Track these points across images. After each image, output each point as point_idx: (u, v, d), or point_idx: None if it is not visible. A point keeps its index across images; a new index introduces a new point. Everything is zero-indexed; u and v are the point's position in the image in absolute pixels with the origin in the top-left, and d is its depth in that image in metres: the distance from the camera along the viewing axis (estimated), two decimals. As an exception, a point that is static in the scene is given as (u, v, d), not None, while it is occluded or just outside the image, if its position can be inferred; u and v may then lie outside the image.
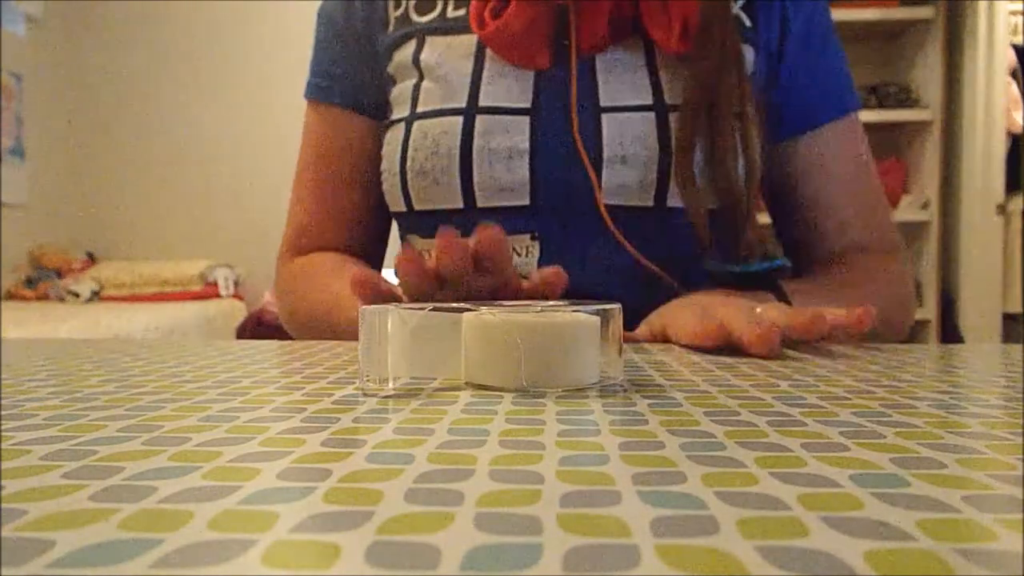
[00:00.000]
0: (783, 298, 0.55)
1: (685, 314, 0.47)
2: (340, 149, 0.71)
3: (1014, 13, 2.58)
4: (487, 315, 0.29)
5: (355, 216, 0.72)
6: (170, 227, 3.43)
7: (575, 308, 0.30)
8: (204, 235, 3.40)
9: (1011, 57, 2.59)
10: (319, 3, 0.73)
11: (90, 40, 3.41)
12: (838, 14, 2.53)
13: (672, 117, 0.60)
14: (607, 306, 0.30)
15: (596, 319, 0.29)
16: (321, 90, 0.71)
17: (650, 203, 0.61)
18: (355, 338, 0.53)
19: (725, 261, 0.60)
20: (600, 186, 0.60)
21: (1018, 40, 2.60)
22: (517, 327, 0.28)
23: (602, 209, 0.60)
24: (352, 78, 0.70)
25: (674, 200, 0.61)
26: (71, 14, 3.37)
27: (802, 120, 0.67)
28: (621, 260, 0.60)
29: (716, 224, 0.61)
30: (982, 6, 2.57)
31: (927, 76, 2.68)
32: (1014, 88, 2.61)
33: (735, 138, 0.61)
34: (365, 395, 0.28)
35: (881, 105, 2.67)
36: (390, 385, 0.28)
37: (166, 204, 3.43)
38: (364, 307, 0.29)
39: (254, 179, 3.32)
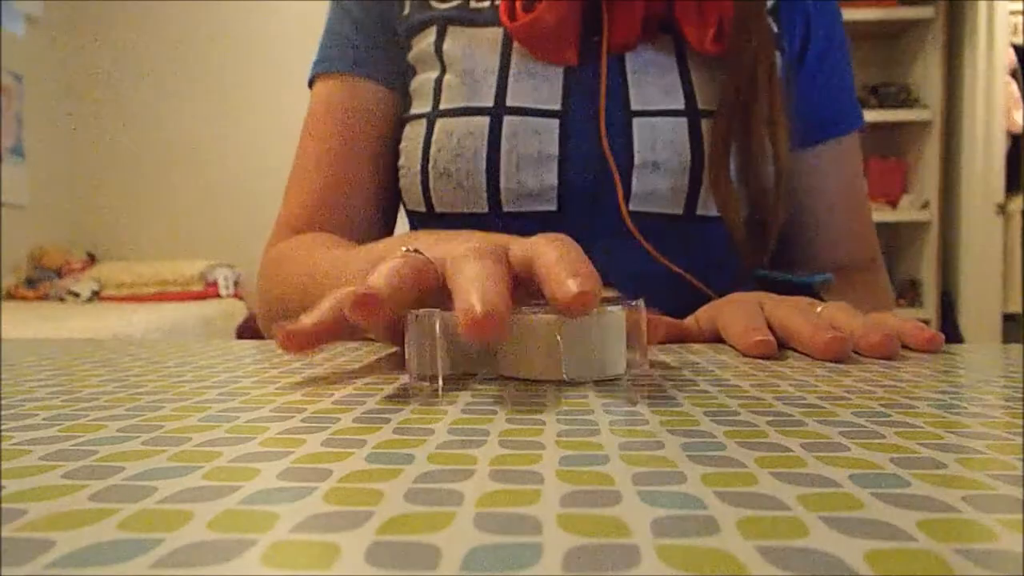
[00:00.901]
0: None
1: (739, 313, 0.43)
2: (355, 118, 0.65)
3: (1014, 13, 2.58)
4: (527, 315, 0.31)
5: (364, 194, 0.65)
6: (170, 227, 3.43)
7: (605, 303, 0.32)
8: (204, 235, 3.40)
9: (1011, 57, 2.59)
10: (321, 4, 0.72)
11: (90, 40, 3.41)
12: (838, 14, 2.54)
13: (704, 123, 0.59)
14: (632, 302, 0.33)
15: (622, 313, 0.32)
16: (334, 61, 0.66)
17: (680, 211, 0.59)
18: None
19: (774, 269, 0.60)
20: (628, 192, 0.59)
21: (1018, 40, 2.61)
22: (557, 324, 0.30)
23: (625, 216, 0.59)
24: (370, 49, 0.66)
25: (703, 208, 0.60)
26: (71, 14, 3.37)
27: (812, 132, 0.67)
28: (648, 268, 0.59)
29: (746, 230, 0.60)
30: (982, 6, 2.57)
31: (927, 76, 2.68)
32: (1014, 88, 2.61)
33: (767, 143, 0.60)
34: (411, 392, 0.28)
35: (881, 105, 2.67)
36: (440, 383, 0.30)
37: (166, 204, 3.43)
38: (412, 311, 0.30)
39: (255, 179, 3.32)
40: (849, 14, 2.49)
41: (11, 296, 3.00)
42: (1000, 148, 2.58)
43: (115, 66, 3.41)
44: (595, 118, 0.59)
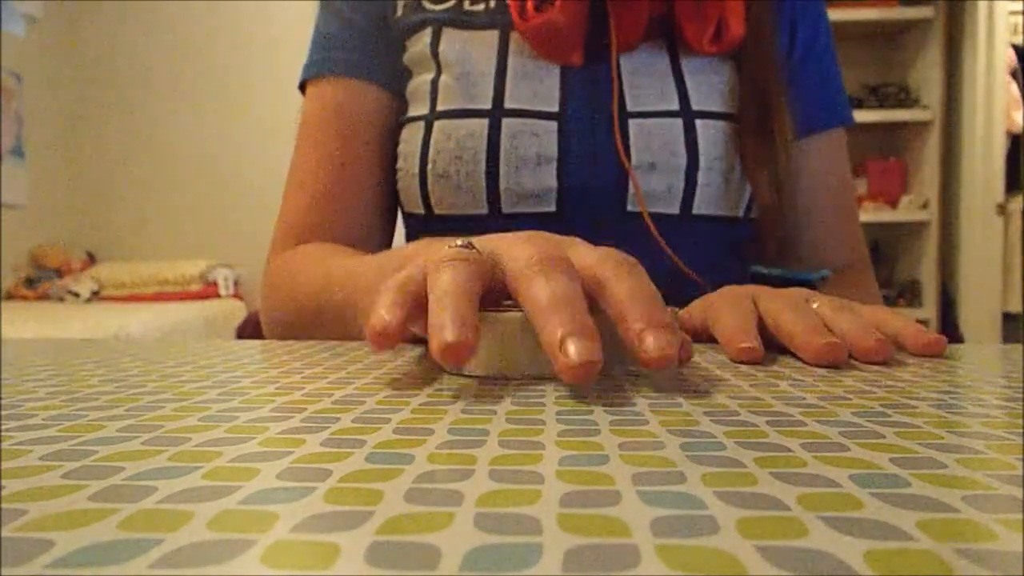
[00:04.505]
0: None
1: (729, 311, 0.40)
2: (351, 121, 0.64)
3: (1014, 13, 2.58)
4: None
5: (364, 199, 0.65)
6: (170, 227, 3.43)
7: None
8: (204, 235, 3.40)
9: (1011, 57, 2.59)
10: (318, 3, 0.72)
11: (90, 40, 3.41)
12: (838, 14, 2.53)
13: (699, 124, 0.60)
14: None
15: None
16: (326, 63, 0.65)
17: (676, 211, 0.60)
18: (339, 329, 0.48)
19: (771, 266, 0.60)
20: (625, 193, 0.59)
21: (1018, 40, 2.61)
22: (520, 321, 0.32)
23: (645, 214, 0.59)
24: (363, 50, 0.65)
25: (699, 208, 0.60)
26: (71, 14, 3.37)
27: (798, 127, 0.67)
28: (647, 266, 0.60)
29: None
30: (982, 6, 2.57)
31: (927, 76, 2.68)
32: (1014, 88, 2.61)
33: (776, 145, 0.62)
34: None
35: (881, 105, 2.67)
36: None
37: (166, 204, 3.43)
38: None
39: (255, 179, 3.32)
40: (849, 14, 2.49)
41: (11, 296, 3.01)
42: (1000, 148, 2.58)
43: (115, 66, 3.41)
44: (593, 118, 0.60)
